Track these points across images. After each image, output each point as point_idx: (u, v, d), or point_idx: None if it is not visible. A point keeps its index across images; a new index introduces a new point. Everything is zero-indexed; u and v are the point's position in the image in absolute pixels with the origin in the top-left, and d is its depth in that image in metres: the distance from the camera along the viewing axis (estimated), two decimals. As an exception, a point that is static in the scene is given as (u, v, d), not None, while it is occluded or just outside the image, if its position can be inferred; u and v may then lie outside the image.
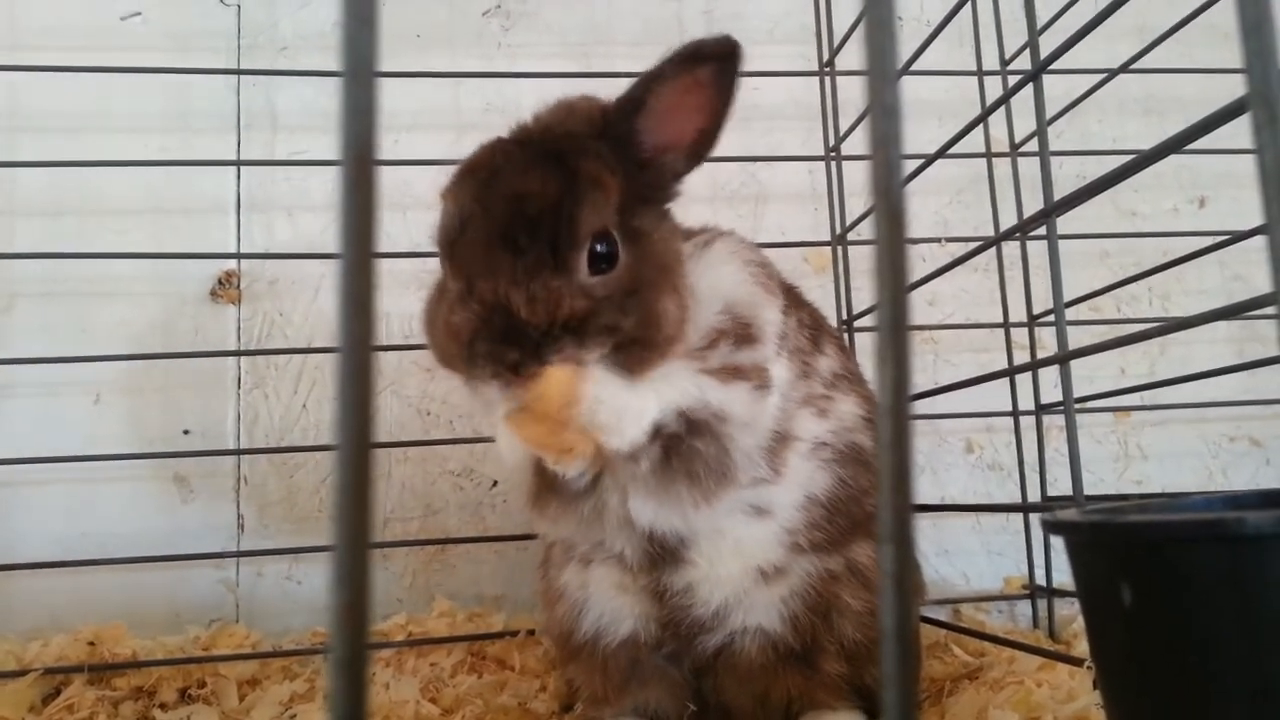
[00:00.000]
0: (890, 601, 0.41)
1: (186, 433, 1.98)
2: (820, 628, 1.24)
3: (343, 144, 0.41)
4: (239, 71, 2.09)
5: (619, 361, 1.03)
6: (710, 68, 1.10)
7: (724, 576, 1.22)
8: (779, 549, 1.22)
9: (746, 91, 2.31)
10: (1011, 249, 2.02)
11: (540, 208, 1.01)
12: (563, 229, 1.01)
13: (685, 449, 1.11)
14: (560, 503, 1.17)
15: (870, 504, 1.26)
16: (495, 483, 2.03)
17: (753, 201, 2.19)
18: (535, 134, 1.13)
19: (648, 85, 1.09)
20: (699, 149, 1.13)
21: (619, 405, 1.04)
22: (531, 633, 1.73)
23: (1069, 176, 2.13)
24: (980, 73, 2.02)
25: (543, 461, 1.12)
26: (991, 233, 1.81)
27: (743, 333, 1.16)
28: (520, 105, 2.11)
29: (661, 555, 1.20)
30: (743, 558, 1.21)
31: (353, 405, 0.40)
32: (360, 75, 0.41)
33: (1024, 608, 2.00)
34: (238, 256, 2.04)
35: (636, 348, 1.03)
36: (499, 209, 1.02)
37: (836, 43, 2.07)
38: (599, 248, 1.04)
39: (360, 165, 0.41)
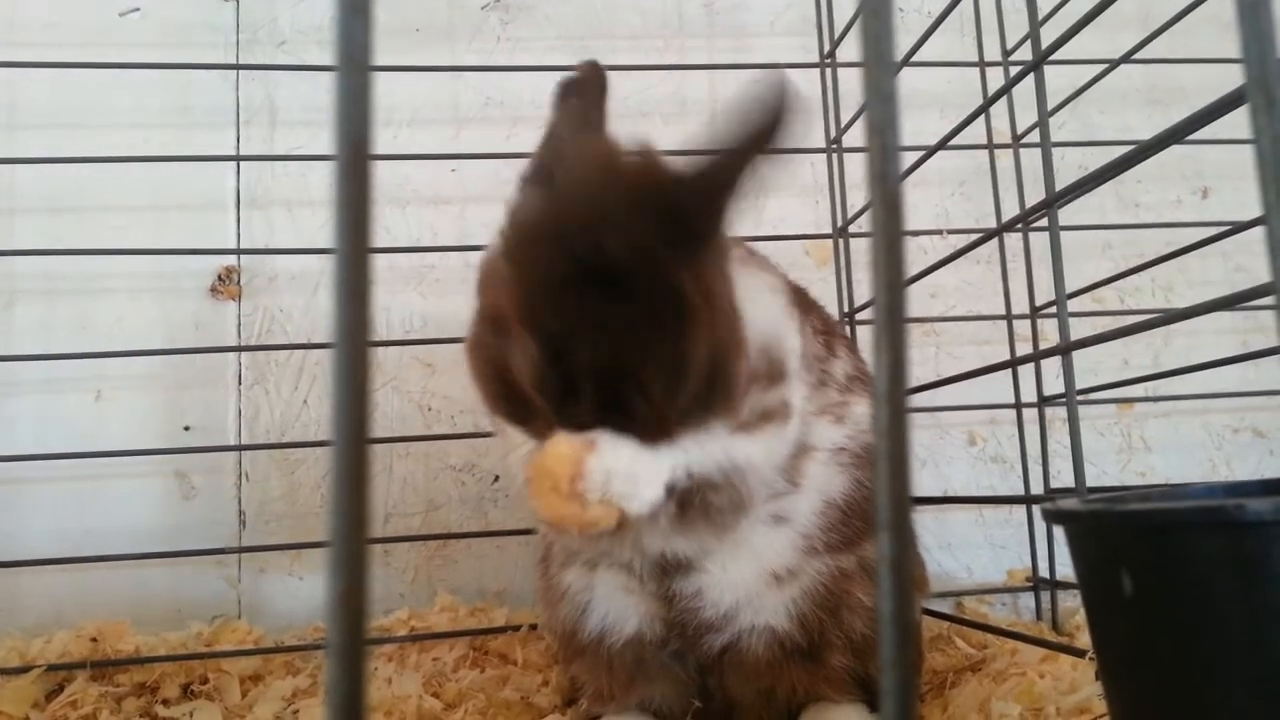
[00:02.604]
0: (888, 587, 0.41)
1: (187, 429, 1.98)
2: (829, 624, 1.23)
3: (337, 132, 0.41)
4: (238, 67, 2.09)
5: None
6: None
7: (736, 581, 1.21)
8: (794, 553, 1.21)
9: (747, 84, 2.31)
10: (1014, 240, 2.02)
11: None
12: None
13: (700, 501, 1.07)
14: None
15: None
16: (497, 478, 2.03)
17: (753, 195, 2.18)
18: (609, 206, 1.01)
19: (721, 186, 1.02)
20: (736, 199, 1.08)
21: (634, 473, 0.99)
22: (534, 627, 1.73)
23: (1071, 167, 2.12)
24: (982, 63, 2.02)
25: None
26: (993, 224, 1.81)
27: (775, 372, 1.13)
28: (520, 99, 2.14)
29: (674, 565, 1.19)
30: (758, 563, 1.20)
31: (349, 394, 0.40)
32: (355, 63, 0.41)
33: (1027, 600, 2.00)
34: (238, 252, 2.04)
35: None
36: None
37: (837, 35, 2.07)
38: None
39: (355, 154, 0.41)
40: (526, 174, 1.08)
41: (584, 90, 1.15)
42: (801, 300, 1.32)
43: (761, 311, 1.13)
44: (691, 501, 1.07)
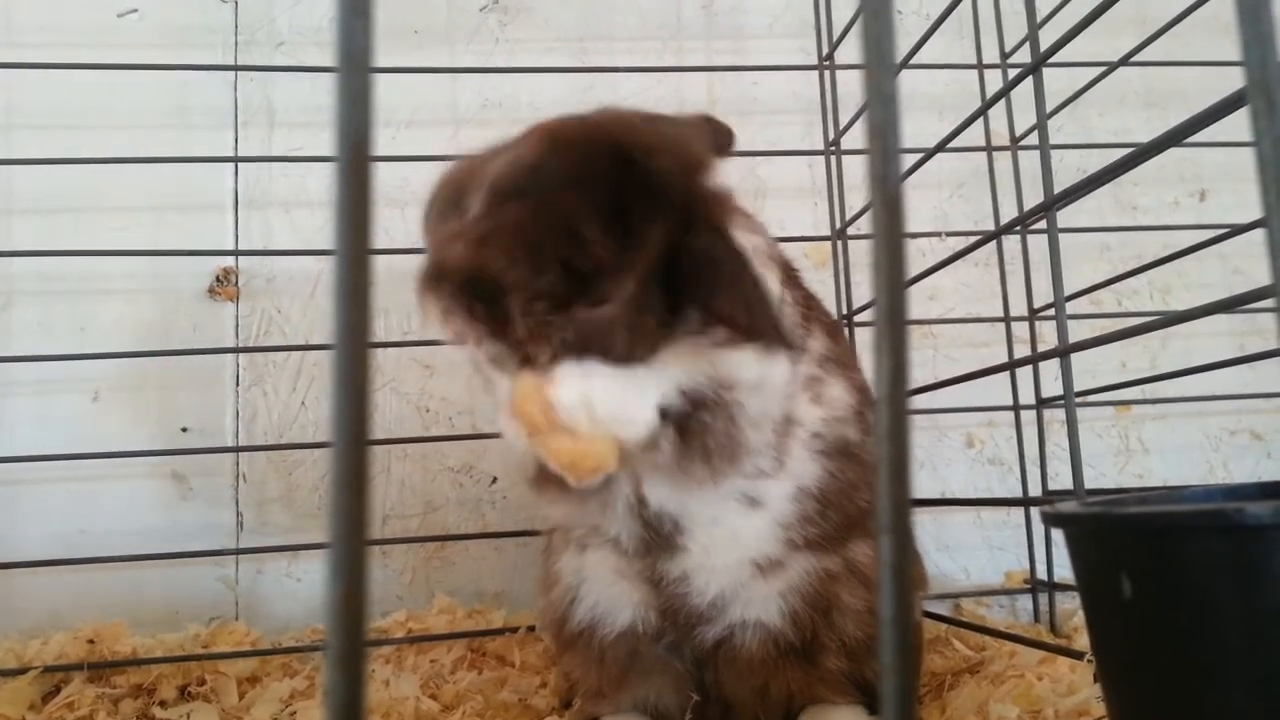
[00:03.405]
0: (889, 591, 0.41)
1: (185, 430, 1.98)
2: (821, 624, 1.23)
3: (338, 133, 0.40)
4: (236, 68, 2.09)
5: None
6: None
7: (719, 566, 1.20)
8: (773, 542, 1.21)
9: (746, 86, 2.32)
10: (1012, 243, 2.02)
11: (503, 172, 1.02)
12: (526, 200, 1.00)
13: (696, 424, 1.06)
14: (561, 484, 1.11)
15: (863, 500, 1.25)
16: (495, 479, 2.02)
17: (752, 196, 2.18)
18: None
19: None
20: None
21: (613, 392, 0.99)
22: (532, 629, 1.73)
23: (1069, 170, 2.12)
24: (980, 66, 2.02)
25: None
26: (992, 227, 1.81)
27: None
28: (519, 101, 2.14)
29: (656, 541, 1.18)
30: (737, 548, 1.20)
31: (349, 396, 0.40)
32: (356, 64, 0.41)
33: (1025, 602, 2.00)
34: (235, 254, 2.04)
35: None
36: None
37: (836, 36, 2.07)
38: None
39: (356, 155, 0.40)
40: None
41: None
42: (788, 275, 1.31)
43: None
44: (690, 427, 1.06)
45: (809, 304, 1.35)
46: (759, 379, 1.10)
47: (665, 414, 1.05)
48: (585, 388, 0.98)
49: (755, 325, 1.02)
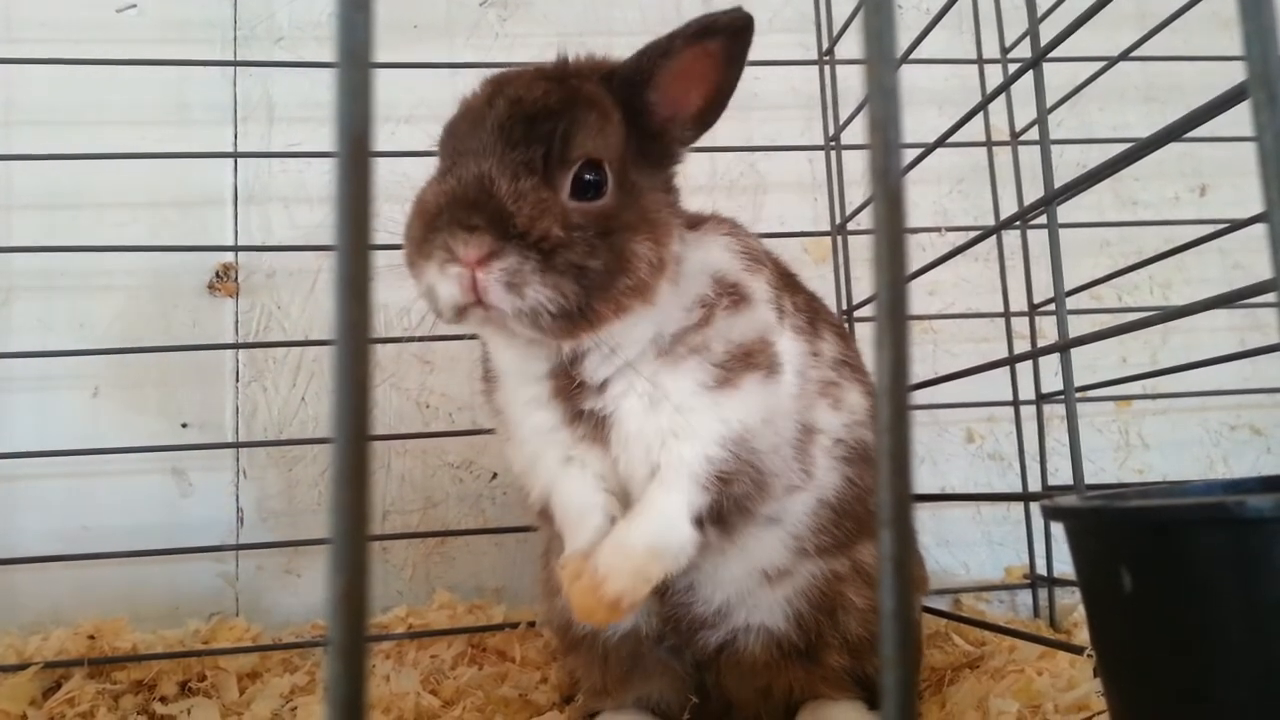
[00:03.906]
0: (890, 583, 0.41)
1: (185, 426, 1.98)
2: (825, 624, 1.24)
3: (338, 127, 0.40)
4: (235, 63, 2.08)
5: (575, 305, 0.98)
6: (721, 40, 1.09)
7: (726, 578, 1.21)
8: (785, 553, 1.21)
9: (746, 81, 2.29)
10: (1012, 238, 2.02)
11: (537, 111, 1.01)
12: (557, 141, 1.01)
13: (729, 504, 1.10)
14: None
15: (874, 503, 1.24)
16: (494, 475, 2.02)
17: (752, 191, 2.18)
18: (547, 67, 1.13)
19: (655, 60, 1.09)
20: (706, 117, 1.13)
21: (660, 549, 1.05)
22: (532, 624, 1.73)
23: (1069, 165, 2.12)
24: (980, 60, 2.02)
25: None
26: (992, 221, 1.81)
27: (732, 293, 1.14)
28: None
29: None
30: (748, 561, 1.20)
31: (350, 391, 0.40)
32: (356, 58, 0.41)
33: (1025, 597, 2.00)
34: (235, 249, 2.03)
35: (598, 291, 0.99)
36: (500, 107, 1.02)
37: (836, 31, 2.07)
38: (587, 175, 1.02)
39: (356, 149, 0.40)
40: None
41: None
42: (787, 280, 1.32)
43: (715, 250, 1.18)
44: (725, 509, 1.10)
45: (814, 307, 1.35)
46: (766, 410, 1.12)
47: (701, 520, 1.08)
48: (632, 573, 1.02)
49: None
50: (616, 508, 1.12)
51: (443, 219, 0.95)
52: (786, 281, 1.30)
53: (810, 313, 1.31)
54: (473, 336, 1.99)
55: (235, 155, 2.07)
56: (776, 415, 1.13)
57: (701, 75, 1.10)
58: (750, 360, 1.11)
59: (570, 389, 1.11)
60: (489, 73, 2.11)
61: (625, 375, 1.09)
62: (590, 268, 0.98)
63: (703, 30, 1.07)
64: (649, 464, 1.09)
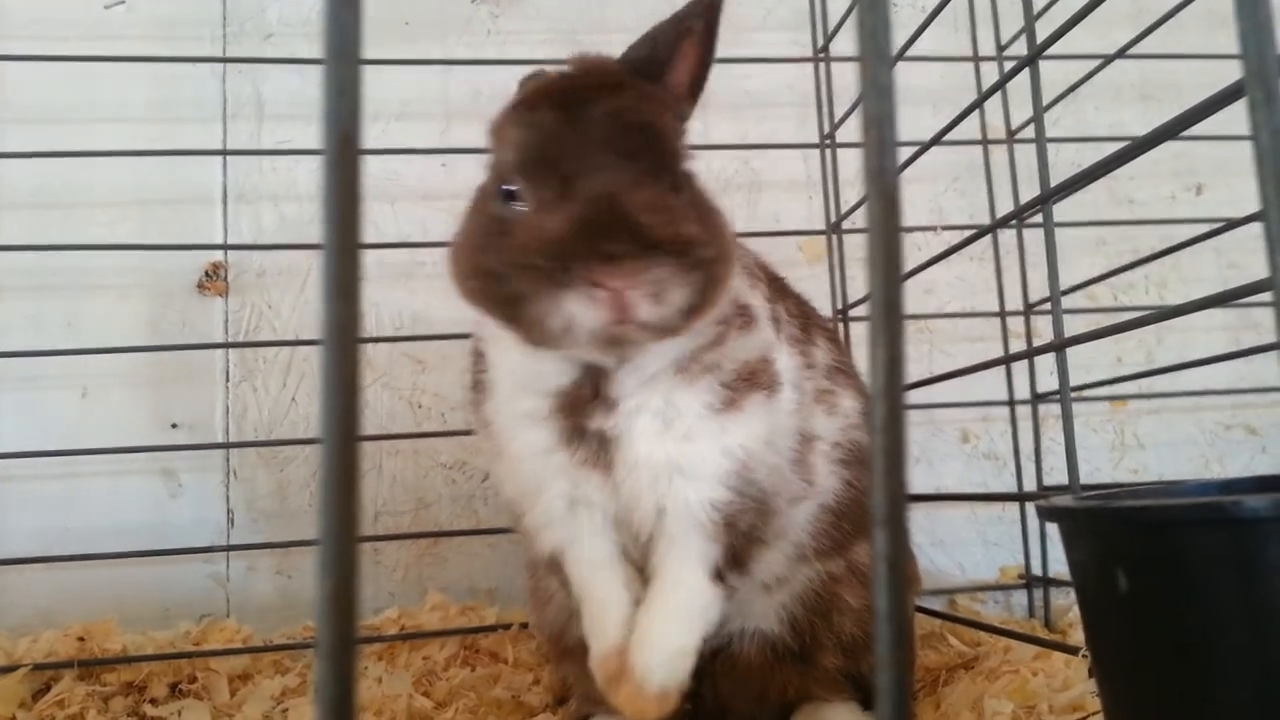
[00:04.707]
0: (884, 584, 0.40)
1: (175, 426, 1.97)
2: (820, 626, 1.24)
3: (326, 125, 0.40)
4: (224, 60, 2.07)
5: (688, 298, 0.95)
6: (702, 18, 1.08)
7: None
8: (784, 561, 1.21)
9: (740, 79, 2.30)
10: (1008, 237, 2.02)
11: (638, 121, 0.97)
12: (665, 144, 0.98)
13: (742, 542, 1.10)
14: None
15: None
16: (487, 476, 2.02)
17: (747, 190, 2.18)
18: (586, 72, 1.07)
19: (673, 44, 1.08)
20: (695, 94, 1.11)
21: (682, 627, 1.07)
22: (524, 626, 1.72)
23: (1065, 163, 2.12)
24: (976, 58, 2.02)
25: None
26: (988, 220, 1.81)
27: (743, 314, 1.13)
28: (511, 93, 2.12)
29: None
30: (749, 578, 1.19)
31: (339, 391, 0.39)
32: (344, 55, 0.40)
33: (1020, 597, 2.00)
34: (224, 248, 2.02)
35: (715, 281, 0.97)
36: (601, 121, 0.95)
37: (831, 29, 2.06)
38: (681, 172, 1.01)
39: (344, 147, 0.40)
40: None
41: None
42: (776, 285, 1.31)
43: None
44: (738, 551, 1.10)
45: (805, 313, 1.34)
46: (769, 432, 1.11)
47: (721, 573, 1.09)
48: (670, 661, 1.05)
49: None
50: (637, 586, 1.12)
51: (579, 246, 0.88)
52: (777, 289, 1.29)
53: (802, 318, 1.30)
54: (464, 336, 1.99)
55: (224, 153, 2.05)
56: (777, 434, 1.12)
57: (688, 52, 1.09)
58: (754, 380, 1.10)
59: (578, 405, 1.06)
60: (489, 73, 2.11)
61: (642, 391, 1.05)
62: (710, 258, 0.95)
63: (692, 14, 1.07)
64: (654, 496, 1.07)
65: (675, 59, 1.07)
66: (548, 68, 1.14)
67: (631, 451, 1.06)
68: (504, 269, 0.93)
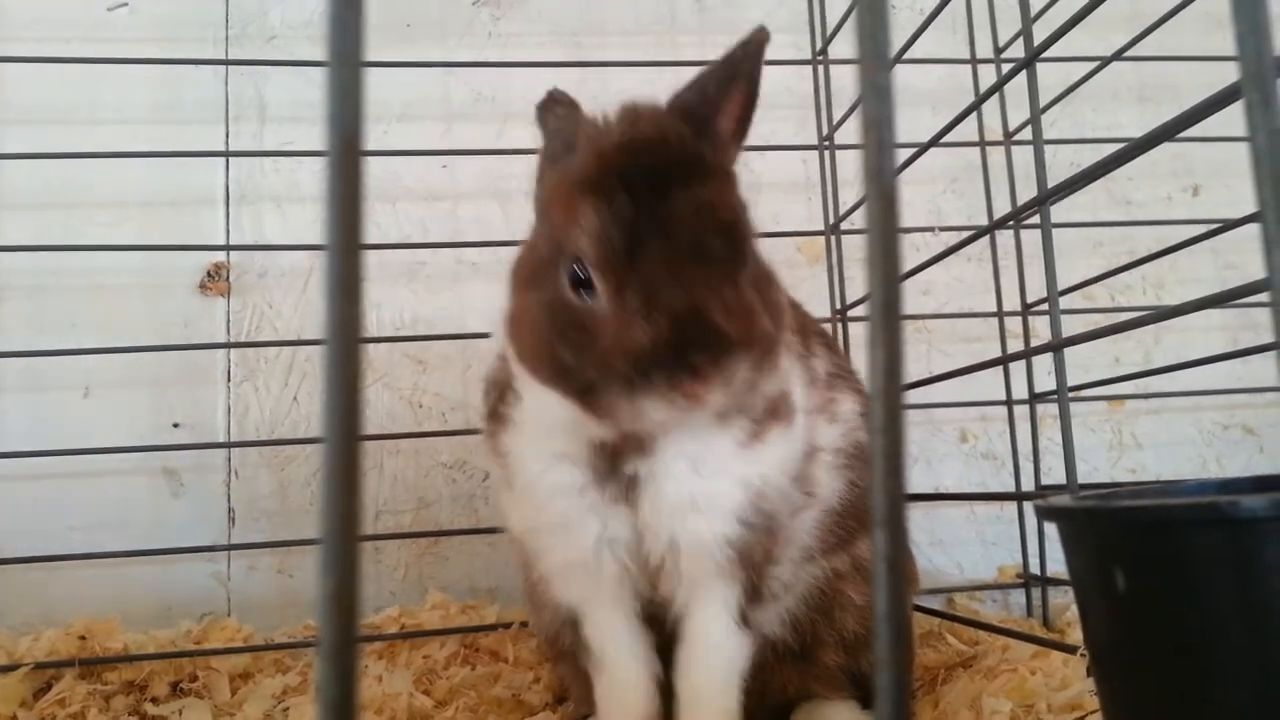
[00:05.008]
0: (884, 585, 0.40)
1: (176, 426, 1.97)
2: (821, 624, 1.25)
3: (329, 127, 0.40)
4: (227, 62, 2.08)
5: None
6: (749, 60, 1.09)
7: None
8: (790, 568, 1.22)
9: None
10: (1005, 238, 2.02)
11: (724, 220, 0.97)
12: (743, 238, 0.99)
13: (755, 574, 1.12)
14: None
15: None
16: (488, 475, 2.02)
17: (746, 190, 2.17)
18: (657, 139, 1.02)
19: (725, 87, 1.07)
20: (742, 136, 1.11)
21: (724, 690, 1.12)
22: (525, 625, 1.73)
23: (1063, 165, 2.12)
24: (974, 60, 2.02)
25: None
26: (985, 221, 1.81)
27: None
28: (511, 95, 2.13)
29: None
30: None
31: (340, 391, 0.39)
32: (347, 58, 0.40)
33: (1018, 596, 2.01)
34: (227, 249, 2.03)
35: (773, 354, 0.99)
36: (683, 222, 0.94)
37: (830, 31, 2.07)
38: (753, 255, 1.01)
39: (347, 149, 0.40)
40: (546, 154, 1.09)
41: (562, 101, 1.15)
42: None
43: None
44: (755, 584, 1.12)
45: (803, 324, 1.34)
46: (786, 463, 1.12)
47: (744, 614, 1.12)
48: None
49: None
50: (655, 662, 1.16)
51: (663, 357, 0.89)
52: None
53: (801, 331, 1.30)
54: (463, 336, 2.00)
55: (227, 154, 2.06)
56: (789, 459, 1.13)
57: (737, 95, 1.09)
58: (775, 414, 1.11)
59: (618, 451, 1.06)
60: (489, 75, 2.11)
61: (682, 439, 1.05)
62: (774, 342, 0.98)
63: (760, 47, 1.08)
64: (669, 532, 1.08)
65: (725, 104, 1.06)
66: (606, 117, 1.09)
67: (659, 491, 1.06)
68: (584, 368, 0.93)
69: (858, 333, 1.98)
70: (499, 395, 1.16)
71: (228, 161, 2.06)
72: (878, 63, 0.42)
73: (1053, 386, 1.35)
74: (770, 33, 1.09)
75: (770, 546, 1.12)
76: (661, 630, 1.19)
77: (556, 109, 1.12)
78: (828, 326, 1.96)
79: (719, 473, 1.06)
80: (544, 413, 1.06)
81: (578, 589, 1.15)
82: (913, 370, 2.04)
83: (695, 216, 0.94)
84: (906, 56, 1.75)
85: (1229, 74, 0.61)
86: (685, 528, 1.07)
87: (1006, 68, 1.52)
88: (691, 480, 1.05)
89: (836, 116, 2.05)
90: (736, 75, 1.07)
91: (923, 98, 2.17)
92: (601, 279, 0.93)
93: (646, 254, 0.92)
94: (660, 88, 2.11)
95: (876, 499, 0.41)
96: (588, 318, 0.94)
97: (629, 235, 0.92)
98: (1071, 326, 1.34)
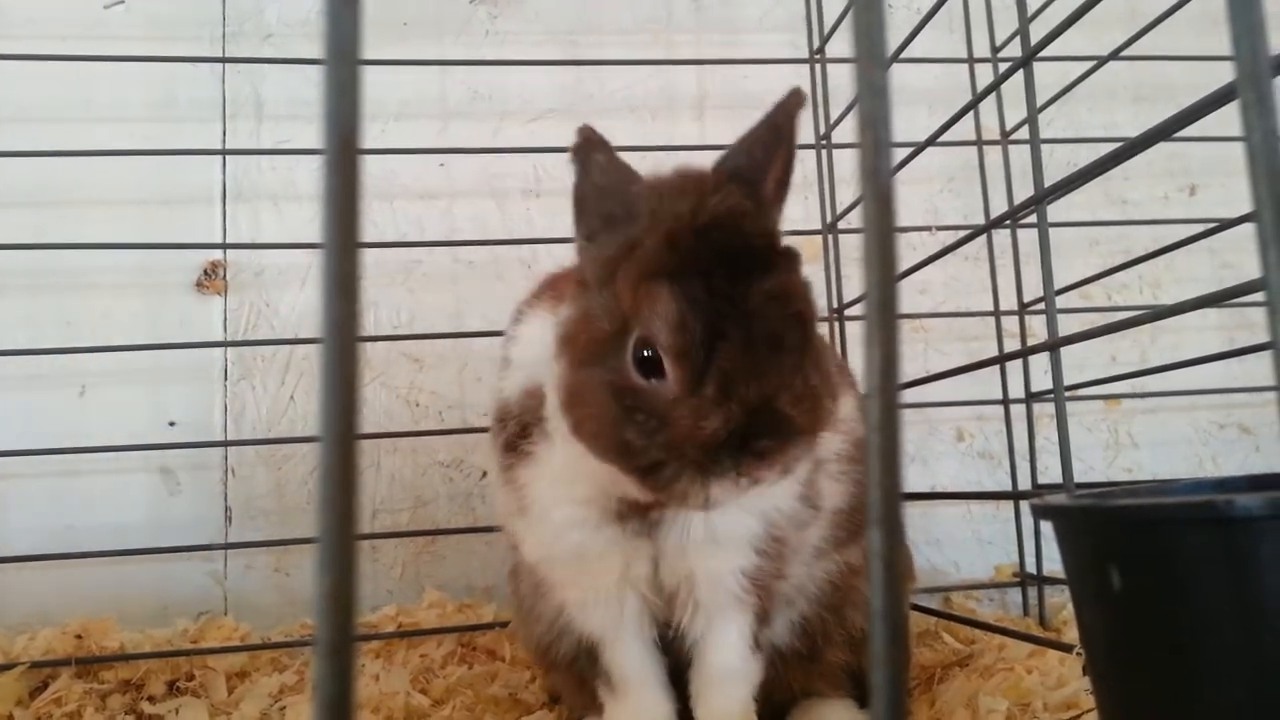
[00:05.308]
0: (880, 582, 0.40)
1: (173, 424, 1.97)
2: (831, 623, 1.25)
3: (326, 125, 0.40)
4: (224, 60, 2.08)
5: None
6: (791, 121, 1.07)
7: None
8: (801, 569, 1.22)
9: (737, 80, 2.30)
10: (1002, 237, 2.03)
11: (797, 311, 0.95)
12: (812, 326, 0.98)
13: (767, 598, 1.14)
14: None
15: None
16: (484, 474, 2.02)
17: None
18: (725, 217, 0.98)
19: (773, 150, 1.06)
20: (783, 195, 1.08)
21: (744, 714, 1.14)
22: (519, 626, 1.73)
23: (1059, 164, 2.13)
24: (971, 60, 2.02)
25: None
26: (982, 220, 1.81)
27: None
28: (508, 93, 2.13)
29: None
30: None
31: (337, 390, 0.39)
32: (344, 56, 0.40)
33: (1014, 595, 2.01)
34: (223, 247, 2.03)
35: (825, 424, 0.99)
36: (757, 316, 0.92)
37: (827, 30, 2.07)
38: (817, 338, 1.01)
39: (344, 147, 0.40)
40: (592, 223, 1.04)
41: (599, 145, 1.08)
42: None
43: None
44: (766, 608, 1.15)
45: None
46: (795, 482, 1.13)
47: (757, 638, 1.16)
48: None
49: None
50: (671, 692, 1.19)
51: (732, 443, 0.90)
52: None
53: None
54: (461, 336, 2.00)
55: (223, 152, 2.06)
56: (797, 481, 1.13)
57: (779, 157, 1.07)
58: None
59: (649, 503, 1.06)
60: (486, 73, 2.11)
61: None
62: (833, 413, 0.99)
63: (798, 109, 1.07)
64: (688, 564, 1.09)
65: (771, 166, 1.05)
66: (664, 184, 1.03)
67: (679, 524, 1.07)
68: (650, 451, 0.92)
69: (854, 332, 1.98)
70: (519, 430, 1.13)
71: (224, 159, 2.06)
72: (874, 61, 0.42)
73: (1049, 385, 1.35)
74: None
75: (781, 566, 1.14)
76: (673, 654, 1.20)
77: (596, 155, 1.05)
78: (825, 326, 1.97)
79: (738, 506, 1.05)
80: (578, 464, 1.04)
81: (598, 620, 1.16)
82: (909, 369, 2.04)
83: (771, 305, 0.93)
84: (903, 55, 1.75)
85: (1225, 74, 0.61)
86: (704, 560, 1.09)
87: (1003, 67, 1.52)
88: (712, 515, 1.05)
89: (833, 115, 2.05)
90: (780, 140, 1.06)
91: (919, 97, 2.17)
92: (676, 367, 0.91)
93: (723, 345, 0.90)
94: (656, 86, 2.13)
95: (872, 497, 0.41)
96: (655, 401, 0.92)
97: (706, 326, 0.91)
98: (1068, 326, 1.34)
